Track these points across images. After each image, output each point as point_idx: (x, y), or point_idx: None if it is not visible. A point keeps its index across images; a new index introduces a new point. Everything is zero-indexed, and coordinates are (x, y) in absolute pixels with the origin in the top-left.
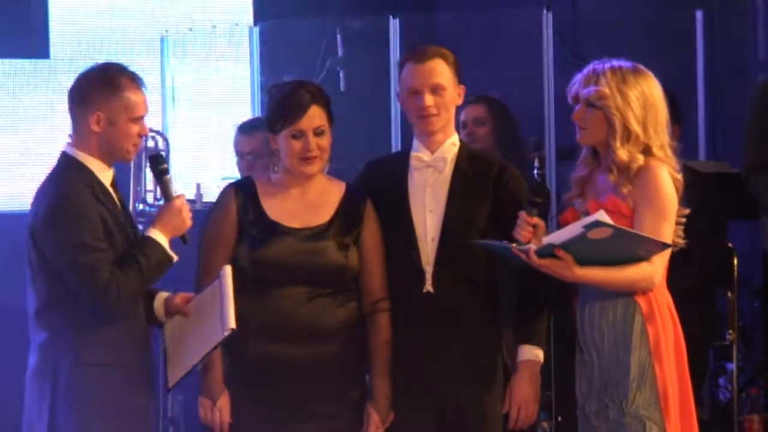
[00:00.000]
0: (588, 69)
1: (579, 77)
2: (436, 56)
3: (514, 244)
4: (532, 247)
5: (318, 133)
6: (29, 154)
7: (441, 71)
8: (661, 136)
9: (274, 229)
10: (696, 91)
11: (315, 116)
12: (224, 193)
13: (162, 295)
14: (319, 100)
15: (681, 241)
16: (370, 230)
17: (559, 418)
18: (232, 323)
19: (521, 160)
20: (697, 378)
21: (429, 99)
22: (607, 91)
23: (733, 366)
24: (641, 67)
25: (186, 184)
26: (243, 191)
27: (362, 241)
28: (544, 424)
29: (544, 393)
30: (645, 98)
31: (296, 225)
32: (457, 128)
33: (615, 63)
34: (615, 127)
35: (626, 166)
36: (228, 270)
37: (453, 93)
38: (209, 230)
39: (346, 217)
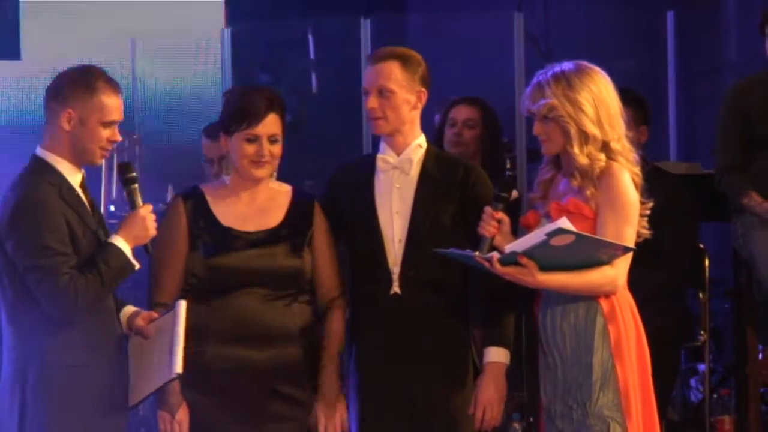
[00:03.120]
0: (533, 82)
1: (527, 91)
2: (389, 58)
3: (477, 253)
4: (495, 255)
5: (272, 140)
6: None
7: (389, 73)
8: (617, 129)
9: (228, 235)
10: (667, 91)
11: (271, 123)
12: (173, 204)
13: (128, 310)
14: (277, 108)
15: (646, 232)
16: (321, 230)
17: (531, 419)
18: (178, 368)
19: (500, 167)
20: (669, 379)
21: (372, 101)
22: (555, 101)
23: (704, 367)
24: (584, 64)
25: (158, 187)
26: (192, 200)
27: (314, 243)
28: (516, 425)
29: (516, 394)
30: (594, 96)
31: (249, 229)
32: (436, 129)
33: (557, 69)
34: (571, 134)
35: (588, 169)
36: (183, 305)
37: (406, 95)
38: (161, 243)
39: (297, 220)
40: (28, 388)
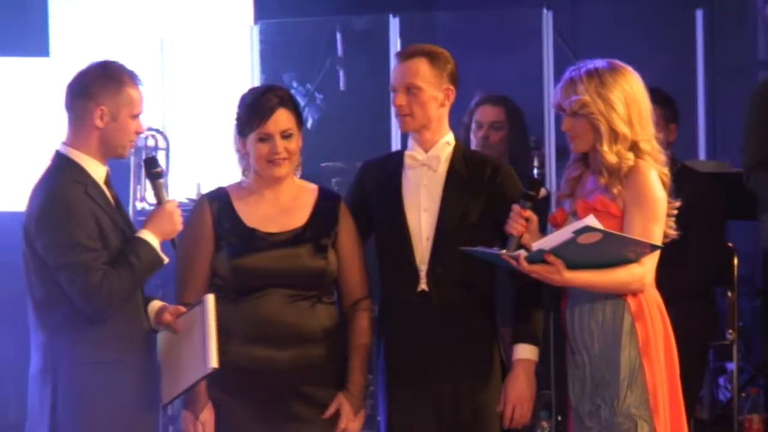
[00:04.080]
0: (565, 77)
1: (558, 87)
2: (417, 55)
3: (504, 251)
4: (522, 253)
5: (285, 136)
6: (27, 153)
7: (417, 70)
8: (646, 130)
9: (252, 236)
10: (696, 90)
11: (282, 119)
12: (198, 205)
13: (155, 305)
14: (287, 103)
15: (673, 233)
16: (346, 231)
17: (559, 418)
18: (214, 362)
19: (527, 165)
20: (697, 378)
21: (400, 98)
22: (587, 98)
23: (733, 366)
24: (617, 63)
25: (186, 184)
26: (217, 201)
27: (339, 243)
28: (544, 424)
29: (544, 392)
30: (626, 95)
31: (273, 230)
32: (462, 128)
33: (590, 65)
34: (601, 131)
35: (616, 167)
36: (211, 299)
37: (434, 93)
38: (186, 243)
39: (322, 220)
40: (59, 385)
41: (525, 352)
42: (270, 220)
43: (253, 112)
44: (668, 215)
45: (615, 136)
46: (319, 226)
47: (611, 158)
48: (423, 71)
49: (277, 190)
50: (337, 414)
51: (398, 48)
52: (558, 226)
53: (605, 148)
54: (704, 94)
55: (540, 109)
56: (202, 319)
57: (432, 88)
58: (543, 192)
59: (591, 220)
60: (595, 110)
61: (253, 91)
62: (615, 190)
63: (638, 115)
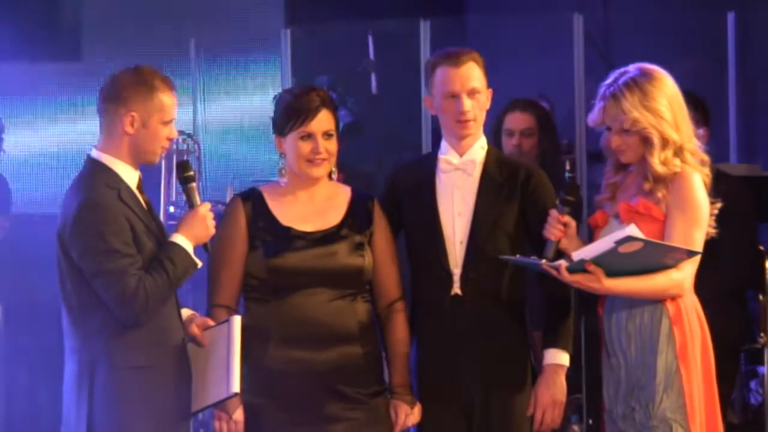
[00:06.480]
0: (604, 94)
1: (599, 105)
2: (470, 60)
3: (544, 261)
4: (563, 263)
5: (327, 136)
6: (59, 157)
7: (476, 75)
8: (688, 128)
9: (288, 235)
10: (728, 93)
11: (325, 120)
12: (231, 205)
13: (184, 313)
14: (329, 104)
15: (713, 231)
16: (381, 231)
17: (590, 421)
18: (235, 387)
19: (559, 168)
20: (728, 381)
21: (467, 104)
22: (636, 114)
23: (764, 369)
24: (648, 68)
25: (216, 186)
26: (251, 201)
27: (374, 243)
28: (575, 427)
29: (575, 396)
30: (669, 100)
31: (308, 229)
32: (491, 132)
33: (627, 78)
34: (653, 142)
35: (663, 176)
36: (237, 321)
37: (486, 95)
38: (220, 243)
39: (356, 219)
40: (95, 391)
41: (556, 357)
42: (305, 219)
43: (296, 111)
44: (710, 214)
45: (665, 143)
46: (354, 225)
47: (660, 168)
48: (477, 74)
49: (312, 190)
50: (376, 408)
51: (429, 52)
52: (599, 228)
53: (655, 159)
54: (735, 98)
55: (571, 113)
56: (227, 341)
57: (485, 91)
58: None
59: (633, 230)
60: (647, 124)
61: (294, 91)
62: (659, 194)
63: (682, 116)
